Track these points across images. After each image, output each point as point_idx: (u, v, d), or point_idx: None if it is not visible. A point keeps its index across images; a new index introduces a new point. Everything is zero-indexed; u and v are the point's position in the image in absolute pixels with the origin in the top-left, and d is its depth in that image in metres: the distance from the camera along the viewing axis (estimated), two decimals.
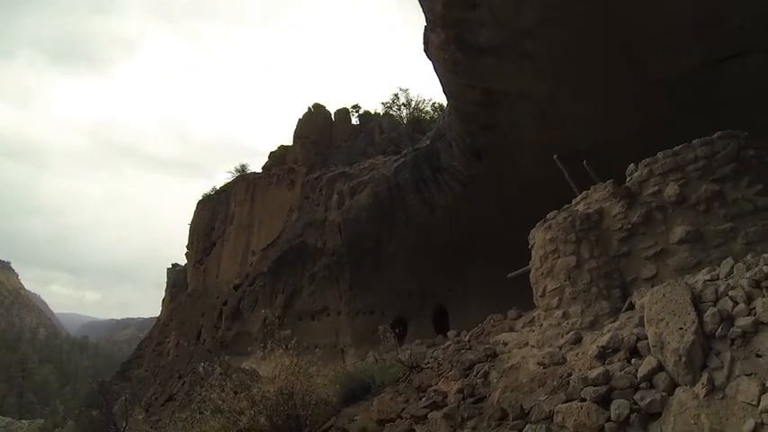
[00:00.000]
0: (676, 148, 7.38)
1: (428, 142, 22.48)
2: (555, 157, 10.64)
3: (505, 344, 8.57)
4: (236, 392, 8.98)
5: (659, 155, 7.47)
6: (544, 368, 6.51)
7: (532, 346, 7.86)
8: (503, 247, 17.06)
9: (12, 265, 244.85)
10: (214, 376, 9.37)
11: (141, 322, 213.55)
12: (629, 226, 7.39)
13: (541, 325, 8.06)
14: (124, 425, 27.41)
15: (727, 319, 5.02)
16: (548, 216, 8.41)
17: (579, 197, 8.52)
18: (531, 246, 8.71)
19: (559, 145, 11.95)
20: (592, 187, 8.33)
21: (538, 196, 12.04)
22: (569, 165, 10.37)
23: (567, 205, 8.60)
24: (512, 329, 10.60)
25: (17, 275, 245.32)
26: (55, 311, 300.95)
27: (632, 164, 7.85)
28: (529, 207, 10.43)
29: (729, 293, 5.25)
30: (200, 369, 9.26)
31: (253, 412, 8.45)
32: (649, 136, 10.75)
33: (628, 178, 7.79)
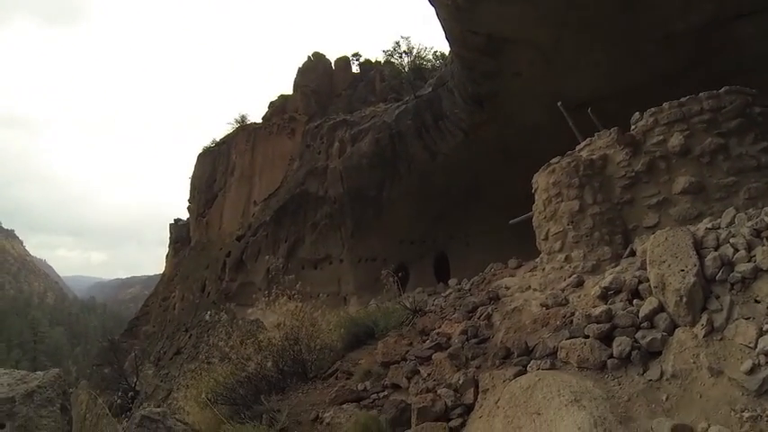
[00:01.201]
0: (682, 99, 7.37)
1: (430, 89, 22.34)
2: (559, 104, 10.59)
3: (507, 288, 8.71)
4: (242, 340, 9.15)
5: (665, 105, 7.46)
6: (547, 309, 6.66)
7: (535, 290, 8.01)
8: (504, 195, 17.21)
9: (16, 232, 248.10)
10: (221, 324, 9.53)
11: (146, 280, 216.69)
12: (633, 174, 7.43)
13: (544, 269, 8.20)
14: (135, 380, 28.17)
15: (728, 265, 5.10)
16: (551, 161, 8.44)
17: (583, 144, 8.53)
18: (535, 189, 8.77)
19: (563, 95, 11.88)
20: (596, 134, 8.34)
21: (540, 145, 12.06)
22: (572, 115, 10.34)
23: (570, 151, 8.62)
24: (512, 277, 10.75)
25: (22, 242, 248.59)
26: (61, 275, 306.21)
27: (637, 112, 7.84)
28: (530, 155, 10.46)
29: (730, 240, 5.33)
30: (207, 317, 9.42)
31: (260, 358, 8.67)
32: (654, 90, 10.66)
33: (632, 126, 7.78)
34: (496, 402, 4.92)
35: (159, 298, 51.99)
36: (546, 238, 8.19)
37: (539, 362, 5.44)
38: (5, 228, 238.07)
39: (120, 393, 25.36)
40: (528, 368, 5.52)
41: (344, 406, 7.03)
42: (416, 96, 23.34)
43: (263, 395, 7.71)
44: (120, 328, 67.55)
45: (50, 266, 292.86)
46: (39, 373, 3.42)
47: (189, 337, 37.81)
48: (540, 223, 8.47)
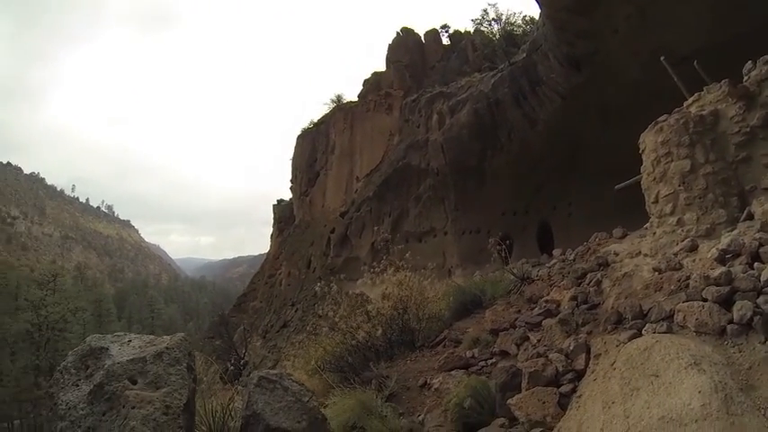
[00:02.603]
0: None
1: (524, 55, 21.89)
2: (662, 58, 10.07)
3: (616, 254, 8.50)
4: (352, 310, 9.51)
5: None
6: (660, 273, 6.45)
7: (645, 255, 7.74)
8: (605, 162, 16.67)
9: (131, 222, 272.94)
10: (330, 295, 9.99)
11: (252, 259, 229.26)
12: (748, 129, 6.87)
13: (654, 233, 7.91)
14: (244, 351, 29.96)
15: None
16: (659, 119, 8.06)
17: (691, 99, 8.06)
18: (642, 150, 8.38)
19: (663, 50, 11.28)
20: (705, 88, 7.87)
21: (642, 104, 11.56)
22: (675, 71, 9.81)
23: (678, 108, 8.20)
24: (620, 244, 10.44)
25: (137, 231, 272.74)
26: (174, 258, 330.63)
27: (750, 61, 7.31)
28: (633, 118, 10.05)
29: None
30: (317, 289, 9.87)
31: (368, 327, 9.03)
32: (759, 39, 9.90)
33: (745, 77, 7.18)
34: (612, 364, 4.91)
35: (265, 275, 54.57)
36: (656, 201, 7.87)
37: (654, 325, 5.29)
38: (122, 218, 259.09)
39: (232, 362, 27.10)
40: (643, 332, 5.38)
41: (453, 372, 7.21)
42: (511, 63, 22.96)
43: (371, 363, 8.08)
44: (228, 305, 71.89)
45: (163, 250, 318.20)
46: (166, 336, 3.85)
47: (295, 311, 39.60)
48: (649, 185, 8.12)
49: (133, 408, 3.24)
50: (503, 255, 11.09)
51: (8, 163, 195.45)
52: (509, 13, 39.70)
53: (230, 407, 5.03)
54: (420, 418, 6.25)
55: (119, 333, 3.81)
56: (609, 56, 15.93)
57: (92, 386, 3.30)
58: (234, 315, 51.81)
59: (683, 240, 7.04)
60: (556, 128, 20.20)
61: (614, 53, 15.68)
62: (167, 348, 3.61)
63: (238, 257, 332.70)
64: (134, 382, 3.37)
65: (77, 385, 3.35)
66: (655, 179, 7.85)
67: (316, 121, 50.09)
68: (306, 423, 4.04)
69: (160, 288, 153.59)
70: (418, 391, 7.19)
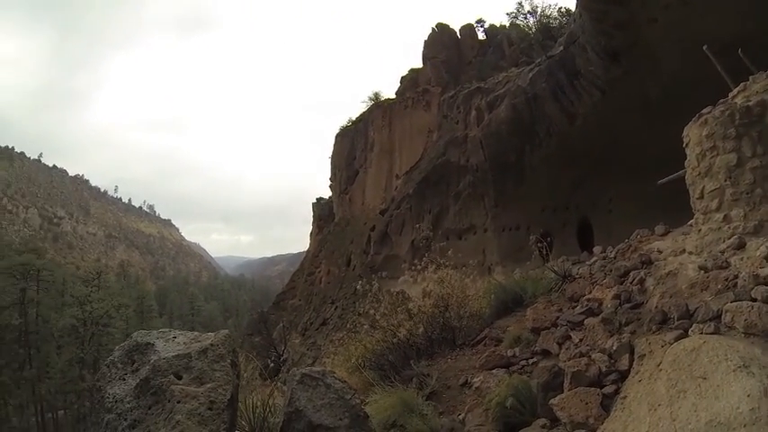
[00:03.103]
0: None
1: (561, 48, 21.61)
2: (705, 47, 9.77)
3: (660, 251, 8.31)
4: (393, 308, 9.54)
5: None
6: (706, 272, 6.28)
7: (690, 252, 7.54)
8: (646, 157, 16.31)
9: (172, 221, 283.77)
10: (372, 293, 10.04)
11: (291, 257, 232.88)
12: None
13: (699, 230, 7.69)
14: (283, 348, 30.42)
15: None
16: (702, 111, 7.82)
17: (736, 89, 7.80)
18: (686, 144, 8.14)
19: (705, 38, 10.94)
20: (750, 78, 7.60)
21: (684, 97, 11.24)
22: (718, 60, 9.51)
23: (722, 99, 7.95)
24: (663, 241, 10.19)
25: (178, 229, 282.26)
26: (214, 256, 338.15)
27: None
28: (675, 110, 9.81)
29: None
30: (358, 287, 9.92)
31: (409, 325, 9.03)
32: None
33: None
34: (658, 365, 4.82)
35: (305, 273, 55.24)
36: (701, 197, 7.64)
37: (701, 326, 5.15)
38: (163, 218, 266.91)
39: (273, 358, 27.55)
40: (689, 332, 5.25)
41: (494, 371, 7.17)
42: (548, 57, 22.68)
43: (411, 361, 8.10)
44: (267, 302, 73.19)
45: (203, 249, 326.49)
46: (210, 333, 3.95)
47: (334, 309, 39.95)
48: (694, 180, 7.88)
49: (179, 402, 3.33)
50: (544, 252, 10.98)
51: (54, 166, 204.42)
52: (544, 5, 39.13)
53: (270, 403, 5.10)
54: (460, 417, 6.25)
55: (164, 329, 3.92)
56: (648, 46, 15.58)
57: (138, 380, 3.41)
58: (273, 312, 52.63)
59: (729, 238, 6.82)
60: (595, 122, 19.86)
61: (654, 43, 15.33)
62: (212, 345, 3.69)
63: (277, 255, 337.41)
64: (179, 378, 3.46)
65: (124, 379, 3.47)
66: (700, 174, 7.62)
67: (354, 119, 50.42)
68: (348, 420, 4.07)
69: (200, 285, 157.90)
70: (459, 389, 7.19)
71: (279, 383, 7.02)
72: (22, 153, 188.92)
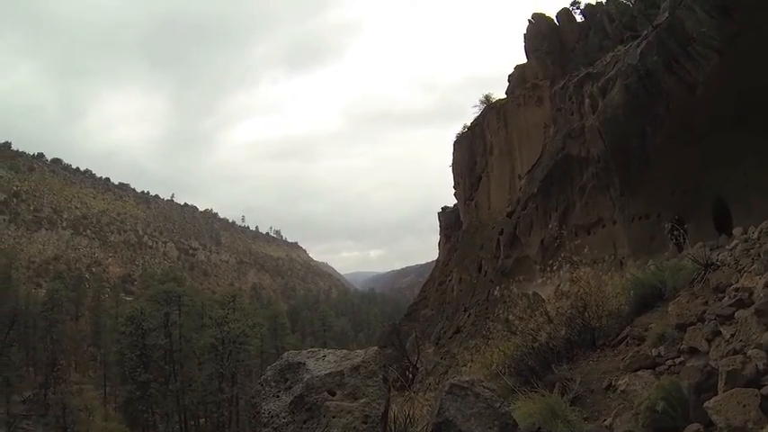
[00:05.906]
0: None
1: (666, 15, 20.36)
2: None
3: None
4: (531, 312, 9.41)
5: None
6: None
7: None
8: None
9: (299, 243, 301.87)
10: (510, 298, 10.01)
11: (419, 268, 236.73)
12: None
13: None
14: (416, 358, 30.81)
15: None
16: None
17: None
18: None
19: None
20: None
21: None
22: None
23: None
24: None
25: (305, 251, 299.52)
26: (342, 273, 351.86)
27: None
28: None
29: None
30: (496, 292, 10.11)
31: (550, 328, 8.86)
32: None
33: None
34: None
35: (436, 283, 55.70)
36: None
37: None
38: (290, 241, 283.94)
39: (411, 369, 28.02)
40: None
41: (639, 373, 6.86)
42: (654, 27, 21.44)
43: (552, 365, 7.95)
44: (398, 314, 74.65)
45: (332, 267, 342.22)
46: (360, 351, 4.17)
47: (468, 316, 39.85)
48: None
49: (333, 417, 3.55)
50: (682, 239, 10.33)
51: (185, 203, 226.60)
52: None
53: (410, 414, 5.20)
54: (607, 422, 6.06)
55: (313, 349, 4.21)
56: None
57: (292, 397, 3.67)
58: (405, 324, 53.43)
59: None
60: (718, 89, 18.40)
61: None
62: (363, 362, 3.89)
63: (406, 267, 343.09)
64: (333, 394, 3.68)
65: (278, 396, 3.74)
66: None
67: (469, 124, 50.49)
68: (497, 429, 4.07)
69: (330, 302, 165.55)
70: (603, 393, 6.98)
71: (412, 394, 7.20)
72: (157, 195, 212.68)
